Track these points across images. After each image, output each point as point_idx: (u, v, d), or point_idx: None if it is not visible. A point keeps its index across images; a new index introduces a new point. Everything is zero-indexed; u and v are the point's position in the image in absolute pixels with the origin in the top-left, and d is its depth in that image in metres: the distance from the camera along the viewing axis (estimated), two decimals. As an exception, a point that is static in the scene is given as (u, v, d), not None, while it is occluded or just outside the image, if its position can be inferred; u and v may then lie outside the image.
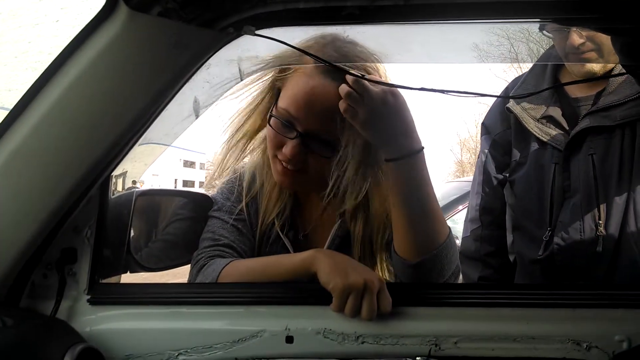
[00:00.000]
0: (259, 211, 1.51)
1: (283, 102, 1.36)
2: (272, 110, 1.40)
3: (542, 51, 1.78)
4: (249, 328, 1.10)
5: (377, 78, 1.27)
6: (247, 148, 1.52)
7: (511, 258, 1.98)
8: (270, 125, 1.39)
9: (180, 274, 1.48)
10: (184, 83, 1.00)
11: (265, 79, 1.43)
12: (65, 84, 0.96)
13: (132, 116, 0.99)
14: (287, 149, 1.35)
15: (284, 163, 1.38)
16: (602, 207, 1.68)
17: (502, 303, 1.09)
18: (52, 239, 1.10)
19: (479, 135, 2.13)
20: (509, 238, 1.97)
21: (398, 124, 1.23)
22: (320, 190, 1.38)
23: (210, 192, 1.60)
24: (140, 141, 1.07)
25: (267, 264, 1.28)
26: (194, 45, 0.95)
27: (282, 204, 1.50)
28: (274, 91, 1.43)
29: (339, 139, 1.31)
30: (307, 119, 1.32)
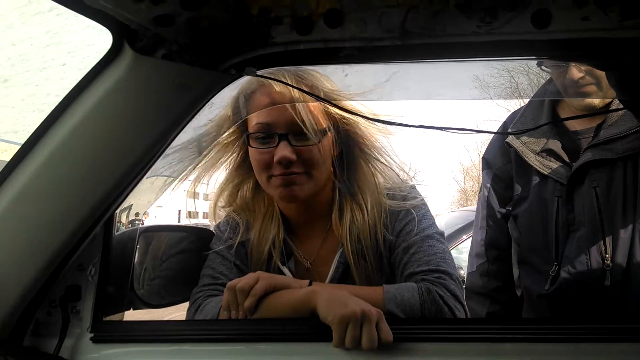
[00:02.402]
0: (256, 244, 1.53)
1: (253, 121, 1.43)
2: (246, 136, 1.45)
3: (542, 82, 1.80)
4: (251, 365, 1.10)
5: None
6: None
7: (518, 292, 1.96)
8: (250, 145, 1.44)
9: (183, 308, 1.48)
10: (188, 122, 1.03)
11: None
12: (71, 125, 0.98)
13: (136, 156, 1.01)
14: (279, 154, 1.38)
15: (280, 178, 1.41)
16: (608, 240, 1.67)
17: (505, 338, 1.08)
18: (56, 276, 1.10)
19: (481, 163, 2.13)
20: (515, 272, 1.95)
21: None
22: (322, 198, 1.49)
23: (212, 226, 1.61)
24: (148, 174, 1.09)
25: (267, 302, 1.27)
26: (197, 86, 0.98)
27: (276, 234, 1.51)
28: (240, 125, 1.49)
29: (316, 123, 1.40)
30: (279, 119, 1.39)
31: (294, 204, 1.50)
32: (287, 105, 1.37)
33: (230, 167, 1.56)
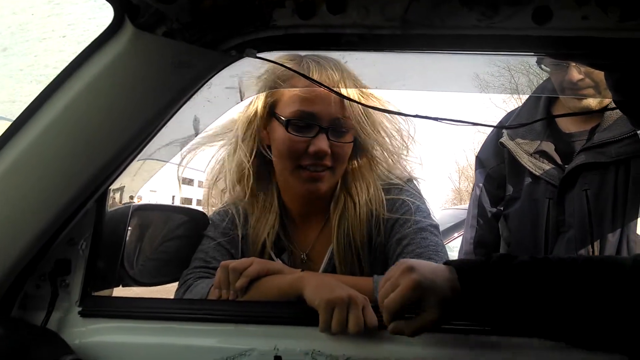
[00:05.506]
0: (252, 234, 1.52)
1: (291, 107, 1.40)
2: (287, 121, 1.40)
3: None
4: (238, 346, 1.10)
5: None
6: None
7: (505, 290, 1.97)
8: (289, 131, 1.40)
9: (170, 289, 1.48)
10: (185, 101, 1.03)
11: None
12: (68, 99, 0.98)
13: (132, 132, 1.01)
14: (317, 146, 1.37)
15: (311, 168, 1.40)
16: (596, 242, 1.69)
17: (490, 331, 1.09)
18: (47, 250, 1.10)
19: (475, 162, 2.14)
20: (503, 270, 1.96)
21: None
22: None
23: (206, 210, 1.61)
24: (139, 157, 1.09)
25: (257, 285, 1.27)
26: (197, 65, 0.98)
27: (272, 226, 1.50)
28: (266, 107, 1.46)
29: (351, 123, 1.40)
30: (324, 112, 1.38)
31: (313, 198, 1.49)
32: (334, 100, 1.37)
33: (240, 151, 1.51)
